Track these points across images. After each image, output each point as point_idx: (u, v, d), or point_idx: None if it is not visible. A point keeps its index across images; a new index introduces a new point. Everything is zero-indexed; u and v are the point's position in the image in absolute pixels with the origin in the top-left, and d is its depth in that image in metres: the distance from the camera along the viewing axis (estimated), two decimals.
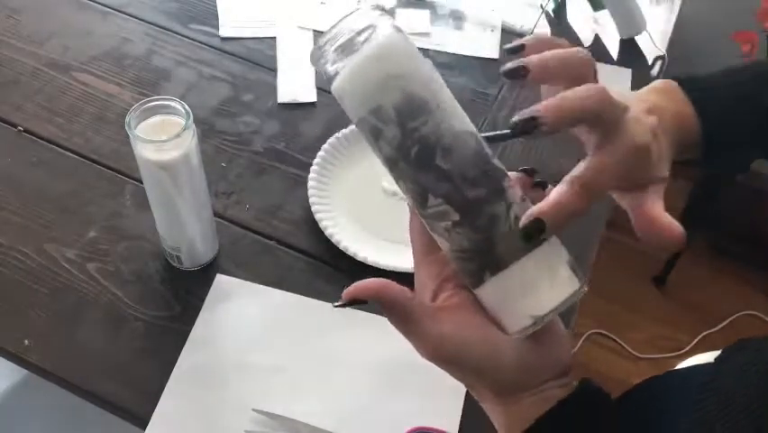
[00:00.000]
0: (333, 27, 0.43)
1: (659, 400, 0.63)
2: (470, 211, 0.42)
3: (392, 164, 0.43)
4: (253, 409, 0.71)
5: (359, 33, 0.43)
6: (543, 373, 0.43)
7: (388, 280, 0.42)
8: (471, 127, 0.44)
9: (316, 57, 0.44)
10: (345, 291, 0.42)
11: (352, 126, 0.93)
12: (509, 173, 0.45)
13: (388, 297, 0.42)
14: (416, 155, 0.42)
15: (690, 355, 1.16)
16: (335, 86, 0.43)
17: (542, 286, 0.42)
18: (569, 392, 0.43)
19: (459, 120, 0.43)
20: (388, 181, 0.89)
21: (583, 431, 0.43)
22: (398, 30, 0.43)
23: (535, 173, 0.46)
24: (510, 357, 0.42)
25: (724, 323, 1.75)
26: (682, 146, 0.56)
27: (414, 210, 0.45)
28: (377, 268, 0.80)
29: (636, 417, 0.62)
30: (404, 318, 0.42)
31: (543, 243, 0.43)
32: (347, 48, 0.42)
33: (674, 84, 0.57)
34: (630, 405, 0.64)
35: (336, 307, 0.42)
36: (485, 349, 0.42)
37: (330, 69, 0.43)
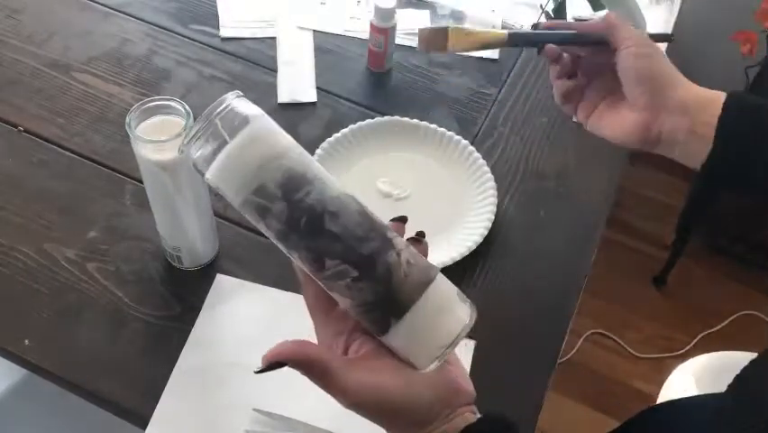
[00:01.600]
0: (197, 122, 0.45)
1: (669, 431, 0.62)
2: (367, 265, 0.44)
3: (283, 237, 0.45)
4: (253, 409, 0.71)
5: (224, 120, 0.44)
6: (452, 401, 0.46)
7: (303, 341, 0.45)
8: (347, 190, 0.46)
9: (186, 152, 0.45)
10: (263, 357, 0.45)
11: (349, 127, 0.94)
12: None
13: (303, 357, 0.44)
14: (305, 225, 0.44)
15: (690, 356, 1.16)
16: (213, 173, 0.44)
17: (444, 317, 0.45)
18: (474, 419, 0.47)
19: (335, 185, 0.45)
20: (383, 182, 0.90)
21: None
22: (262, 112, 0.46)
23: (405, 221, 0.49)
24: (424, 393, 0.45)
25: (724, 323, 1.75)
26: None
27: (305, 277, 0.47)
28: None
29: None
30: (321, 374, 0.44)
31: (434, 279, 0.46)
32: (217, 137, 0.44)
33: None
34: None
35: (257, 373, 0.45)
36: (401, 389, 0.45)
37: (202, 160, 0.44)
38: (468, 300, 0.47)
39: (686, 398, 0.66)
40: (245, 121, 0.44)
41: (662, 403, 0.70)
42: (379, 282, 0.44)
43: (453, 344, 0.45)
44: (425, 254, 0.49)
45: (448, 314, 0.45)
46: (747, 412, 0.47)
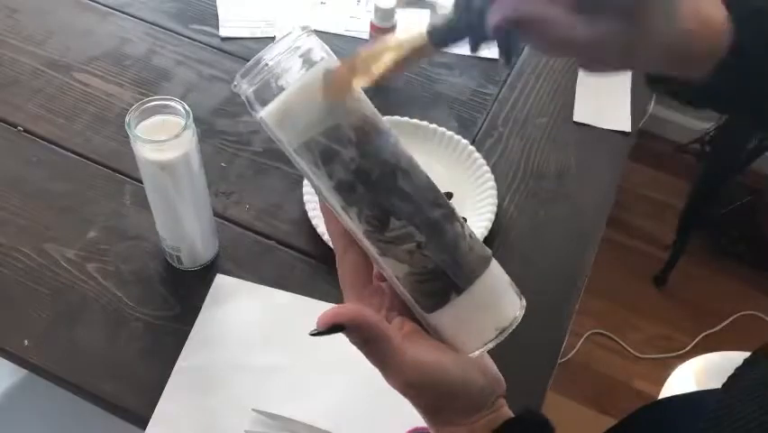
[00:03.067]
0: (268, 50, 0.40)
1: (666, 427, 0.63)
2: (435, 231, 0.41)
3: (346, 188, 0.40)
4: (253, 409, 0.71)
5: (304, 52, 0.40)
6: (496, 389, 0.45)
7: (361, 306, 0.41)
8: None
9: (252, 77, 0.41)
10: (320, 318, 0.40)
11: None
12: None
13: (363, 322, 0.40)
14: (377, 178, 0.40)
15: (691, 356, 1.16)
16: (280, 104, 0.40)
17: (502, 299, 0.43)
18: (516, 413, 0.45)
19: (403, 145, 0.42)
20: None
21: None
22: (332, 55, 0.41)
23: (451, 197, 0.45)
24: (479, 377, 0.43)
25: (724, 323, 1.75)
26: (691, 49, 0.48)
27: (345, 245, 0.43)
28: None
29: None
30: (380, 344, 0.41)
31: (491, 257, 0.43)
32: (294, 66, 0.40)
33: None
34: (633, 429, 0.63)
35: (312, 335, 0.41)
36: (461, 371, 0.42)
37: (266, 88, 0.40)
38: (518, 290, 0.45)
39: (684, 394, 0.67)
40: (322, 57, 0.41)
41: (660, 399, 0.70)
42: (444, 251, 0.41)
43: (508, 329, 0.43)
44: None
45: (506, 295, 0.43)
46: (741, 409, 0.47)
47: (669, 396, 0.69)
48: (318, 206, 0.85)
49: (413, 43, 0.46)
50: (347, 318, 0.40)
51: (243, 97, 0.41)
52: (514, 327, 0.43)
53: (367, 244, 0.42)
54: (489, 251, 0.44)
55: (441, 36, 0.45)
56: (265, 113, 0.40)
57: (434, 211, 0.41)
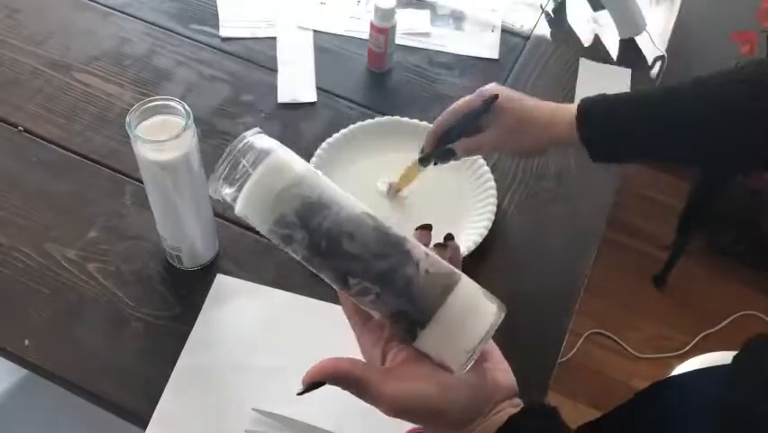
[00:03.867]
0: (223, 160, 0.47)
1: (675, 405, 0.64)
2: (386, 280, 0.46)
3: (309, 261, 0.48)
4: (253, 409, 0.71)
5: (244, 158, 0.47)
6: (492, 397, 0.48)
7: (339, 358, 0.47)
8: (362, 207, 0.48)
9: (215, 190, 0.48)
10: (303, 379, 0.46)
11: (349, 128, 0.94)
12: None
13: (341, 374, 0.46)
14: (325, 248, 0.46)
15: (690, 356, 1.16)
16: (238, 210, 0.47)
17: (465, 323, 0.46)
18: (518, 409, 0.48)
19: (350, 204, 0.47)
20: (382, 182, 0.90)
21: None
22: (278, 144, 0.48)
23: (430, 229, 0.51)
24: (460, 394, 0.46)
25: (724, 323, 1.75)
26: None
27: (345, 294, 0.49)
28: None
29: (650, 420, 0.63)
30: (360, 388, 0.46)
31: (456, 284, 0.47)
32: (239, 174, 0.47)
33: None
34: (641, 408, 0.64)
35: (299, 395, 0.46)
36: (437, 393, 0.46)
37: (228, 197, 0.48)
38: (495, 299, 0.47)
39: (693, 371, 0.68)
40: (262, 155, 0.47)
41: (670, 377, 0.72)
42: (399, 295, 0.46)
43: (481, 343, 0.46)
44: (457, 255, 0.51)
45: (473, 317, 0.46)
46: (749, 378, 0.49)
47: (679, 373, 0.70)
48: None
49: (410, 172, 0.87)
50: (324, 375, 0.46)
51: (221, 200, 0.48)
52: (491, 335, 0.46)
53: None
54: (453, 277, 0.47)
55: (425, 161, 0.85)
56: (237, 211, 0.48)
57: (383, 263, 0.46)
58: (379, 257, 0.46)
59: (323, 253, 0.47)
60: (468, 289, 0.47)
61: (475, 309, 0.47)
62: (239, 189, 0.47)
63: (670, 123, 0.72)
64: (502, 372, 0.49)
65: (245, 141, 0.47)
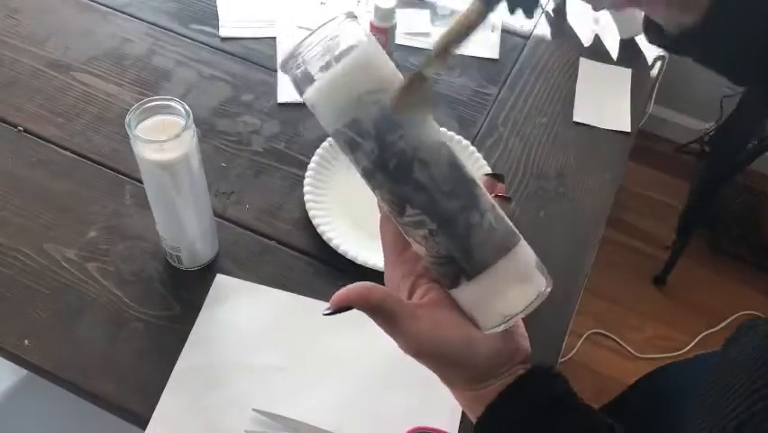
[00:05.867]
0: (308, 37, 0.43)
1: (669, 389, 0.66)
2: (447, 221, 0.43)
3: (370, 175, 0.44)
4: (253, 409, 0.71)
5: (334, 44, 0.43)
6: (510, 360, 0.47)
7: (371, 284, 0.45)
8: (443, 137, 0.45)
9: (289, 65, 0.44)
10: (333, 299, 0.44)
11: None
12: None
13: (374, 300, 0.44)
14: (394, 168, 0.43)
15: (690, 356, 1.16)
16: (310, 95, 0.44)
17: (512, 289, 0.45)
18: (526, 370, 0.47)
19: (432, 130, 0.44)
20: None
21: (540, 401, 0.46)
22: (371, 40, 0.44)
23: (502, 179, 0.49)
24: (484, 350, 0.46)
25: (724, 323, 1.75)
26: None
27: (386, 214, 0.47)
28: (375, 270, 0.80)
29: (646, 404, 0.65)
30: (388, 320, 0.44)
31: (514, 246, 0.45)
32: (323, 58, 0.43)
33: None
34: (637, 395, 0.66)
35: (326, 314, 0.44)
36: (462, 345, 0.45)
37: (303, 77, 0.43)
38: (546, 274, 0.46)
39: (690, 359, 0.69)
40: (350, 48, 0.43)
41: (661, 367, 0.73)
42: (456, 240, 0.44)
43: (520, 314, 0.45)
44: (510, 215, 0.48)
45: (520, 285, 0.45)
46: (734, 366, 0.50)
47: (670, 363, 0.71)
48: (317, 205, 0.86)
49: (467, 14, 0.50)
50: (355, 300, 0.44)
51: (291, 79, 0.44)
52: (532, 309, 0.45)
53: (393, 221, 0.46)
54: (513, 239, 0.45)
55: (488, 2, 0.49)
56: (307, 96, 0.44)
57: (449, 203, 0.43)
58: (448, 195, 0.43)
59: (389, 173, 0.43)
60: (524, 255, 0.46)
61: (526, 278, 0.45)
62: (315, 75, 0.43)
63: None
64: (522, 337, 0.49)
65: (340, 22, 0.43)
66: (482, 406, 0.46)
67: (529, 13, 0.56)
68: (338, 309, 0.44)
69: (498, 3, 0.50)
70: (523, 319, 0.47)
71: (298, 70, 0.43)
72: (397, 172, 0.43)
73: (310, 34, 0.43)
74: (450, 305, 0.46)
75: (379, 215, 0.49)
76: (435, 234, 0.44)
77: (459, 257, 0.44)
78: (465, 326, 0.46)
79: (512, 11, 0.54)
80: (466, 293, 0.45)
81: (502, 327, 0.45)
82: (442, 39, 0.48)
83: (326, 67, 0.43)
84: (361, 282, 0.45)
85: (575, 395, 0.47)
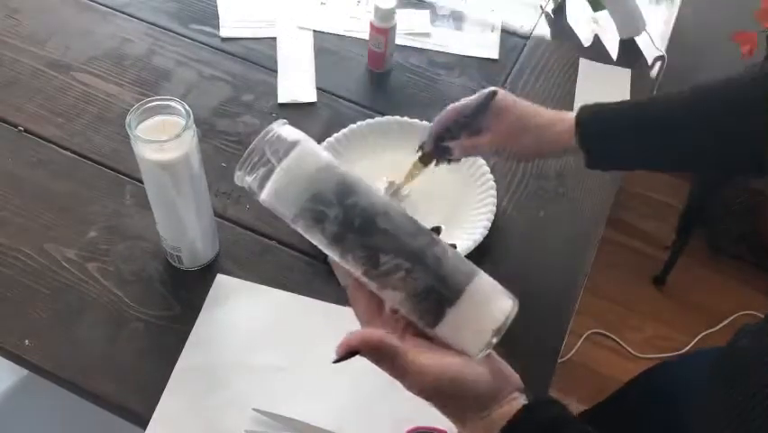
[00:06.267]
0: (249, 152, 0.49)
1: (670, 384, 0.67)
2: (418, 257, 0.48)
3: (339, 240, 0.48)
4: (253, 409, 0.71)
5: (272, 148, 0.48)
6: (508, 382, 0.50)
7: (370, 329, 0.48)
8: (385, 197, 0.51)
9: (241, 178, 0.49)
10: (337, 349, 0.47)
11: (349, 127, 0.94)
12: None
13: (374, 340, 0.47)
14: (360, 225, 0.48)
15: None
16: (272, 187, 0.48)
17: (490, 302, 0.49)
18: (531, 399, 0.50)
19: (375, 191, 0.50)
20: (383, 182, 0.90)
21: (552, 422, 0.49)
22: (305, 135, 0.50)
23: (439, 232, 0.53)
24: (484, 370, 0.48)
25: (724, 323, 1.75)
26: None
27: (355, 286, 0.50)
28: None
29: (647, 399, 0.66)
30: (391, 358, 0.47)
31: (478, 270, 0.49)
32: (268, 161, 0.48)
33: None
34: (636, 390, 0.67)
35: (334, 362, 0.47)
36: (464, 366, 0.48)
37: (258, 182, 0.48)
38: (509, 292, 0.50)
39: (689, 354, 0.70)
40: (294, 143, 0.48)
41: (661, 363, 0.74)
42: (430, 271, 0.48)
43: (502, 328, 0.48)
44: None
45: (495, 300, 0.49)
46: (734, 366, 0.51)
47: (670, 360, 0.72)
48: None
49: (414, 168, 0.86)
50: (359, 341, 0.46)
51: (246, 187, 0.50)
52: (508, 324, 0.48)
53: (367, 281, 0.49)
54: (474, 266, 0.50)
55: (427, 159, 0.85)
56: (264, 195, 0.49)
57: (415, 241, 0.48)
58: (413, 235, 0.48)
59: (357, 231, 0.48)
60: (487, 277, 0.50)
61: (498, 292, 0.49)
62: (269, 173, 0.48)
63: (668, 130, 0.73)
64: (506, 366, 0.51)
65: (273, 132, 0.49)
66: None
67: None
68: (343, 357, 0.47)
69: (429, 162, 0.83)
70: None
71: (251, 177, 0.49)
72: (363, 228, 0.48)
73: (250, 150, 0.49)
74: (441, 345, 0.49)
75: None
76: (412, 271, 0.48)
77: (437, 285, 0.48)
78: (461, 355, 0.48)
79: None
80: (451, 320, 0.48)
81: (492, 344, 0.48)
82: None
83: (278, 161, 0.48)
84: (362, 330, 0.48)
85: (577, 420, 0.49)
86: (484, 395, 0.48)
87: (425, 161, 0.85)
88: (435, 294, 0.48)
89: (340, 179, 0.48)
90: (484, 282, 0.49)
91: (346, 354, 0.46)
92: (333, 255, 0.50)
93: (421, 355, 0.47)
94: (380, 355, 0.47)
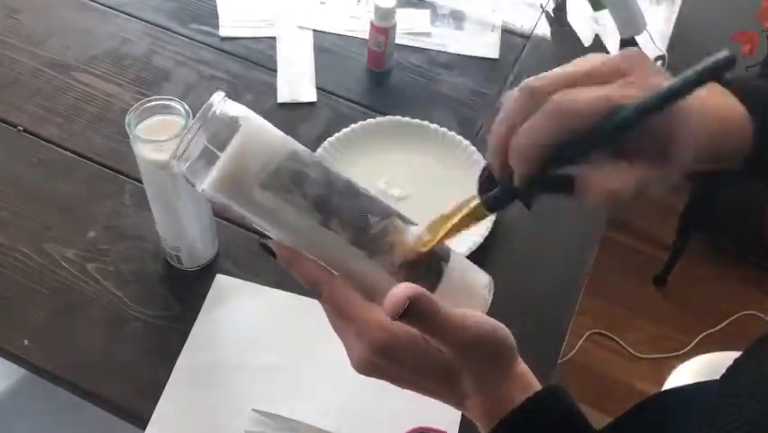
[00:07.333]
0: (186, 132, 0.44)
1: (666, 421, 0.64)
2: (403, 218, 0.47)
3: (323, 203, 0.44)
4: (253, 409, 0.71)
5: (218, 121, 0.44)
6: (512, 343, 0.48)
7: (404, 283, 0.43)
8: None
9: (183, 160, 0.44)
10: (391, 306, 0.41)
11: (349, 127, 0.93)
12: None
13: (419, 292, 0.42)
14: (342, 188, 0.46)
15: (691, 356, 1.16)
16: (229, 158, 0.42)
17: (473, 265, 0.51)
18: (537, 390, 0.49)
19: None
20: (383, 182, 0.90)
21: (562, 412, 0.48)
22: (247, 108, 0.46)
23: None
24: (502, 326, 0.47)
25: (724, 323, 1.75)
26: (717, 149, 0.51)
27: (327, 283, 0.46)
28: None
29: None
30: (432, 312, 0.43)
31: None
32: (220, 132, 0.43)
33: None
34: (635, 421, 0.64)
35: (393, 320, 0.42)
36: (493, 321, 0.46)
37: (200, 156, 0.43)
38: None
39: (683, 386, 0.68)
40: (241, 117, 0.45)
41: (660, 393, 0.71)
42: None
43: (490, 287, 0.50)
44: None
45: (475, 268, 0.51)
46: (741, 403, 0.48)
47: (667, 389, 0.70)
48: None
49: (469, 211, 0.49)
50: (407, 293, 0.41)
51: (184, 175, 0.44)
52: (491, 288, 0.50)
53: (354, 251, 0.45)
54: None
55: (492, 205, 0.48)
56: (225, 160, 0.43)
57: (394, 207, 0.48)
58: (384, 201, 0.48)
59: (341, 193, 0.45)
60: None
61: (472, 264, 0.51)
62: (229, 137, 0.43)
63: None
64: None
65: (218, 102, 0.45)
66: (496, 418, 0.47)
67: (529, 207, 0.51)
68: (396, 314, 0.42)
69: (504, 206, 0.48)
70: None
71: (200, 158, 0.43)
72: (346, 190, 0.46)
73: (188, 129, 0.44)
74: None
75: None
76: (407, 223, 0.47)
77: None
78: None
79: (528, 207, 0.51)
80: (450, 278, 0.47)
81: (489, 298, 0.49)
82: (438, 229, 0.48)
83: (233, 131, 0.43)
84: (405, 285, 0.43)
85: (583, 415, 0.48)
86: (514, 347, 0.47)
87: (494, 204, 0.48)
88: (429, 252, 0.47)
89: (302, 149, 0.46)
90: (459, 256, 0.50)
91: (401, 308, 0.41)
92: (306, 229, 0.44)
93: (457, 311, 0.44)
94: (421, 309, 0.42)
